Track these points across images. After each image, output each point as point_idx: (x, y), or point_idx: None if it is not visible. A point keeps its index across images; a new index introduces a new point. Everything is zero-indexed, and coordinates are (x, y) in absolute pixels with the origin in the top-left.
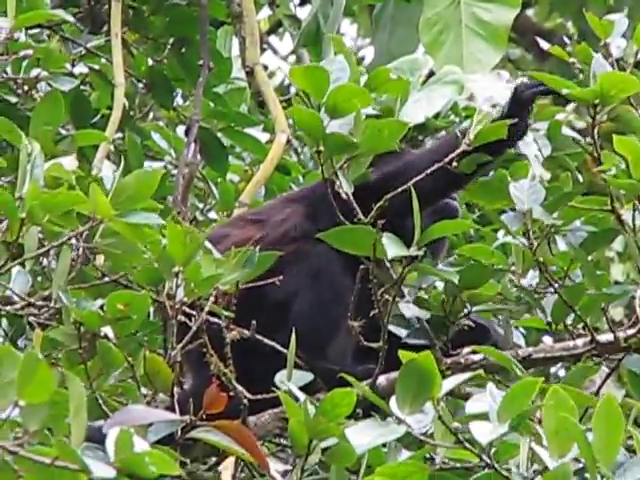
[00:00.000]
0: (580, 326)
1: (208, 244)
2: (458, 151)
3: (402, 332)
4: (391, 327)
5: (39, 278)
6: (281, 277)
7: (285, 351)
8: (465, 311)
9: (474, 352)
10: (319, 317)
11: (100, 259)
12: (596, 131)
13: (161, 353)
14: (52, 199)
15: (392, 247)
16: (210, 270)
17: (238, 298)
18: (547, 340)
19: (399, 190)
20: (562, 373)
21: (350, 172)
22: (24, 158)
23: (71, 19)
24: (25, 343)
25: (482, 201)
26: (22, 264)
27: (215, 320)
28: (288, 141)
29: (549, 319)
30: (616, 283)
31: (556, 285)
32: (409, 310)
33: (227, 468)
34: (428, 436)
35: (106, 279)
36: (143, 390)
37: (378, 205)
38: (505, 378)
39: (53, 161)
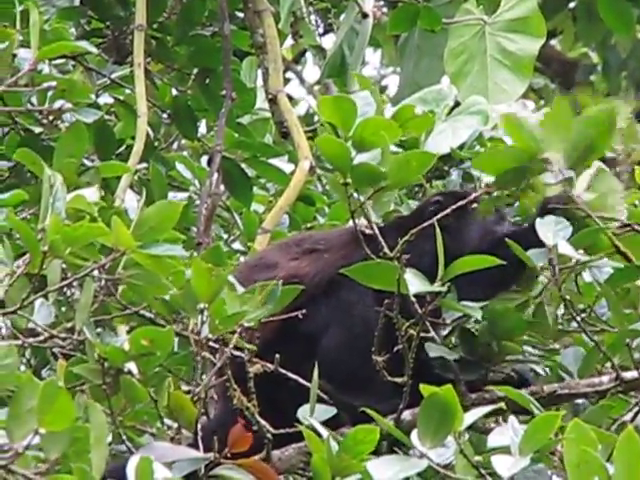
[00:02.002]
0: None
1: (232, 279)
2: (480, 192)
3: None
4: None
5: (63, 308)
6: (304, 311)
7: (309, 385)
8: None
9: None
10: (349, 351)
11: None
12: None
13: (187, 381)
14: (74, 232)
15: (415, 282)
16: (235, 307)
17: (269, 329)
18: None
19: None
20: None
21: (376, 205)
22: (46, 190)
23: (95, 50)
24: (49, 374)
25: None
26: (45, 296)
27: (239, 354)
28: (312, 168)
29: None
30: None
31: (579, 318)
32: (436, 350)
33: None
34: (450, 469)
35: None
36: (167, 421)
37: (404, 240)
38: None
39: (75, 192)
